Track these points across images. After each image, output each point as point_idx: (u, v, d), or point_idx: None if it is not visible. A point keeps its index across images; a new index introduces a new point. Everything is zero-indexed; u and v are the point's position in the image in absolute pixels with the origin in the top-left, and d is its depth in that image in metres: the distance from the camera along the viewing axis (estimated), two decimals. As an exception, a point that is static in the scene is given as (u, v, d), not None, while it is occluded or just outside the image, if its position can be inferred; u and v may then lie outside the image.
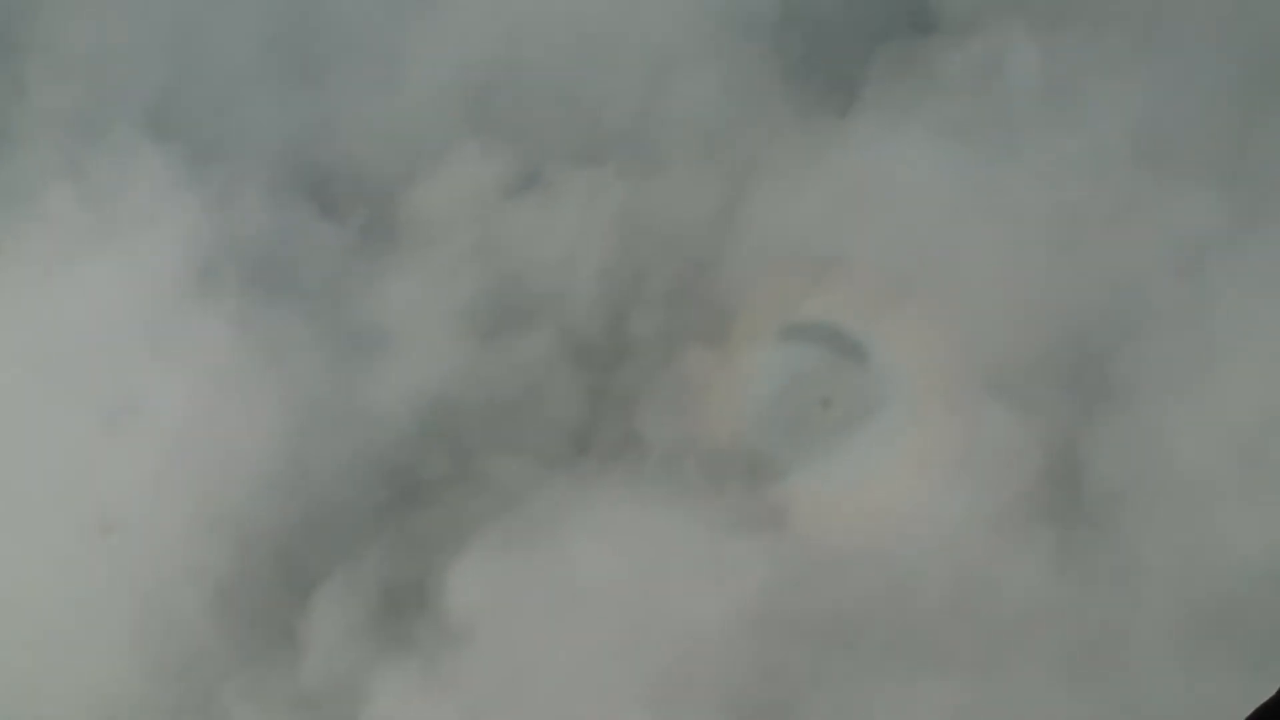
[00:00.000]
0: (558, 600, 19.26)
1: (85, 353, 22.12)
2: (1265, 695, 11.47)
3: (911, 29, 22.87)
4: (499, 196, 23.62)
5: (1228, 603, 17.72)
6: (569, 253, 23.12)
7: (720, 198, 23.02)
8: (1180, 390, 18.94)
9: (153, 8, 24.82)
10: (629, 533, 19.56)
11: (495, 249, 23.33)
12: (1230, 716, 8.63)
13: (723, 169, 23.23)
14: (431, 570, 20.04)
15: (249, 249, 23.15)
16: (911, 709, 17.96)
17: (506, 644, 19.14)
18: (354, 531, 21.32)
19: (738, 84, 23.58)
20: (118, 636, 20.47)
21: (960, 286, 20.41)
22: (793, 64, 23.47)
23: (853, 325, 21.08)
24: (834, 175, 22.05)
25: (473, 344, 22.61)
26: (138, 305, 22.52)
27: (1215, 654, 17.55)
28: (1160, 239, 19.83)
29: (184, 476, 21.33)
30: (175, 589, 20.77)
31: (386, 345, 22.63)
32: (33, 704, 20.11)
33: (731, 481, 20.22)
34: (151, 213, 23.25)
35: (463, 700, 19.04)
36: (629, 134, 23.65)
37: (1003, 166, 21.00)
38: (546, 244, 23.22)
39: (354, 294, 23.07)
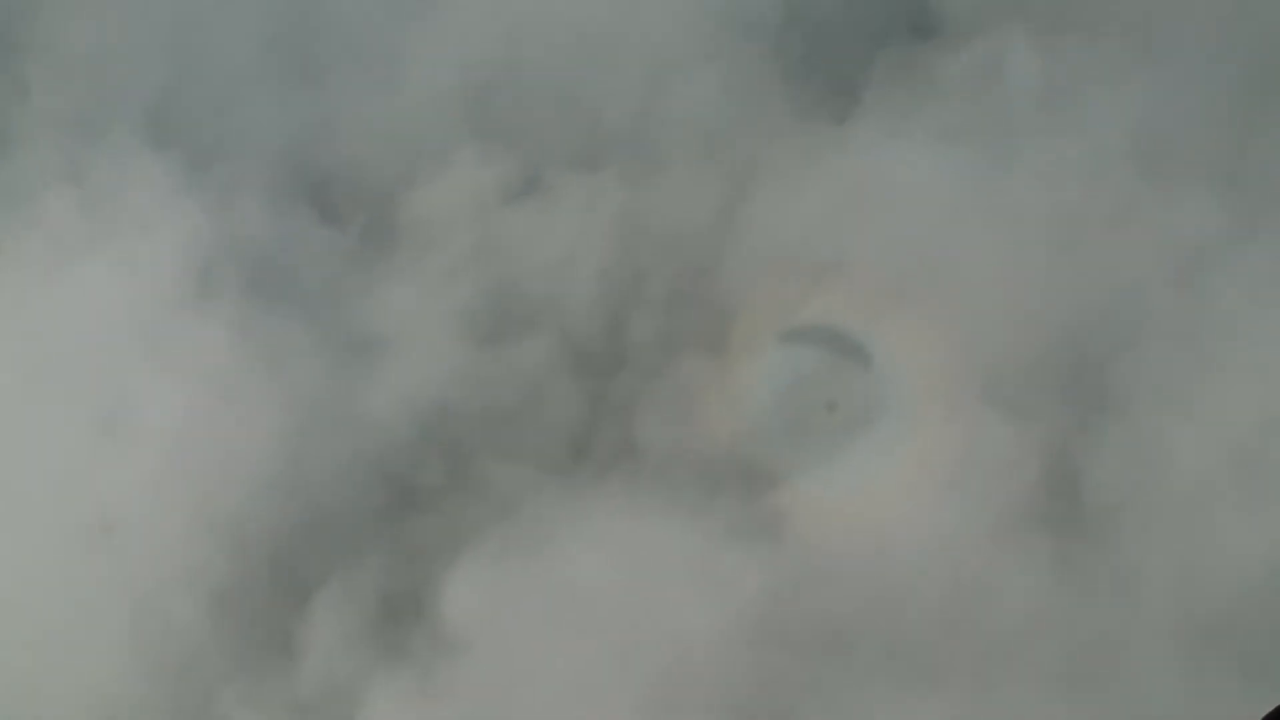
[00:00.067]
0: (554, 608, 19.21)
1: (83, 356, 22.12)
2: (1264, 705, 11.39)
3: (912, 33, 22.82)
4: (498, 200, 23.59)
5: (1226, 612, 17.62)
6: (568, 257, 23.07)
7: (720, 201, 22.96)
8: (1178, 398, 18.83)
9: (152, 10, 24.81)
10: (626, 540, 19.50)
11: (494, 253, 23.29)
12: (1230, 725, 8.54)
13: (723, 172, 23.16)
14: (428, 577, 20.00)
15: (248, 252, 23.14)
16: (908, 719, 17.89)
17: (503, 651, 19.08)
18: (352, 537, 21.29)
19: (737, 87, 23.53)
20: (115, 640, 20.47)
21: (959, 291, 20.32)
22: (792, 68, 23.42)
23: (852, 329, 21.00)
24: (833, 179, 21.98)
25: (471, 349, 22.57)
26: (136, 308, 22.52)
27: (1214, 663, 17.45)
28: (1159, 244, 19.72)
29: (182, 481, 21.31)
30: (172, 593, 20.75)
31: (385, 350, 22.60)
32: (31, 707, 20.12)
33: (729, 489, 20.15)
34: (151, 216, 23.25)
35: (458, 707, 19.01)
36: (629, 138, 23.61)
37: (1002, 170, 20.91)
38: (545, 248, 23.18)
39: (352, 298, 23.05)
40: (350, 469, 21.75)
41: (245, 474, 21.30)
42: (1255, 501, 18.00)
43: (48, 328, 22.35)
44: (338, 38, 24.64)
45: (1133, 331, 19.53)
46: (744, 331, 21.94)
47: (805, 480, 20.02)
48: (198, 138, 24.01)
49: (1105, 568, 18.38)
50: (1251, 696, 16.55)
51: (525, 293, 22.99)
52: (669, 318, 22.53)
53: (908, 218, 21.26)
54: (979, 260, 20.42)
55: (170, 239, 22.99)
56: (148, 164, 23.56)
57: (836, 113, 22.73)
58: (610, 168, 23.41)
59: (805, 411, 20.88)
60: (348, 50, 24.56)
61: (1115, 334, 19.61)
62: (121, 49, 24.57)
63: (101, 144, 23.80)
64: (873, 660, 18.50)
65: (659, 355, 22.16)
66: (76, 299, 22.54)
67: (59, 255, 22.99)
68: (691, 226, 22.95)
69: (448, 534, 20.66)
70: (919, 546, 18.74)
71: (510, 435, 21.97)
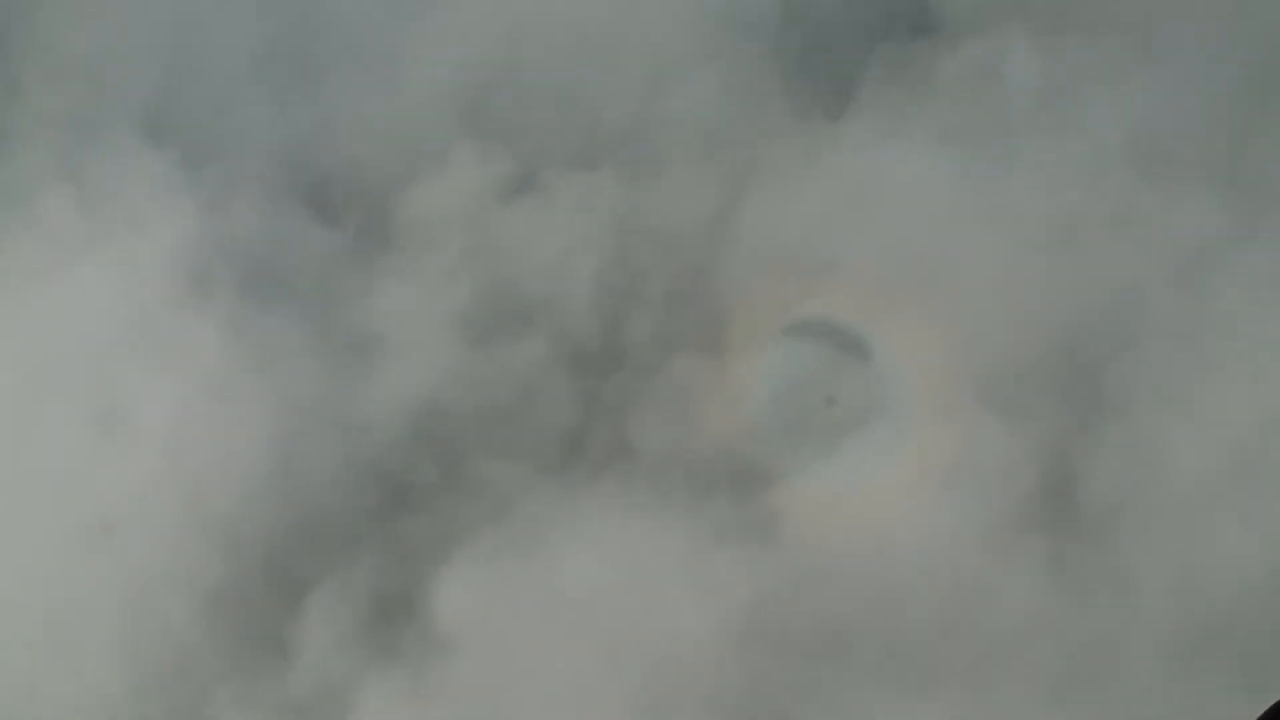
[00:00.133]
0: (547, 609, 19.13)
1: (78, 356, 22.05)
2: (1262, 708, 11.29)
3: (910, 32, 22.74)
4: (494, 199, 23.49)
5: (1224, 616, 17.52)
6: (564, 256, 22.98)
7: (717, 201, 22.87)
8: (1177, 399, 18.75)
9: (148, 10, 24.73)
10: (620, 540, 19.43)
11: (490, 252, 23.20)
12: (1227, 729, 8.45)
13: (720, 172, 23.08)
14: (421, 578, 19.92)
15: (244, 251, 23.06)
16: (904, 721, 17.82)
17: (496, 652, 19.01)
18: (346, 538, 21.21)
19: (735, 87, 23.44)
20: (108, 640, 20.40)
21: (956, 291, 20.25)
22: (790, 67, 23.33)
23: (851, 325, 20.96)
24: (831, 179, 21.90)
25: (467, 349, 22.48)
26: (132, 308, 22.45)
27: (1211, 668, 17.36)
28: (1158, 245, 19.63)
29: (176, 480, 21.24)
30: (166, 593, 20.68)
31: (380, 350, 22.51)
32: (23, 709, 20.04)
33: (724, 490, 20.07)
34: (147, 215, 23.17)
35: (451, 708, 18.94)
36: (625, 137, 23.52)
37: (1001, 171, 20.83)
38: (542, 247, 23.09)
39: (348, 298, 22.96)
40: (345, 469, 21.68)
41: (240, 473, 21.23)
42: (1254, 504, 17.90)
43: (43, 327, 22.28)
44: (334, 37, 24.56)
45: (1131, 332, 19.44)
46: (741, 331, 21.86)
47: (801, 481, 19.94)
48: (194, 137, 23.91)
49: (1103, 569, 18.29)
50: (1249, 699, 16.44)
51: (521, 292, 22.91)
52: (666, 317, 22.45)
53: (906, 218, 21.18)
54: (977, 260, 20.33)
55: (167, 238, 22.92)
56: (144, 163, 23.49)
57: (835, 112, 22.65)
58: (607, 167, 23.33)
59: (803, 408, 20.80)
60: (344, 49, 24.47)
61: (1114, 334, 19.52)
62: (118, 48, 24.49)
63: (98, 143, 23.73)
64: (869, 662, 18.41)
65: (655, 355, 22.08)
66: (72, 298, 22.46)
67: (55, 254, 22.92)
68: (689, 226, 22.86)
69: (442, 534, 20.58)
70: (915, 548, 18.66)
71: (506, 435, 21.89)
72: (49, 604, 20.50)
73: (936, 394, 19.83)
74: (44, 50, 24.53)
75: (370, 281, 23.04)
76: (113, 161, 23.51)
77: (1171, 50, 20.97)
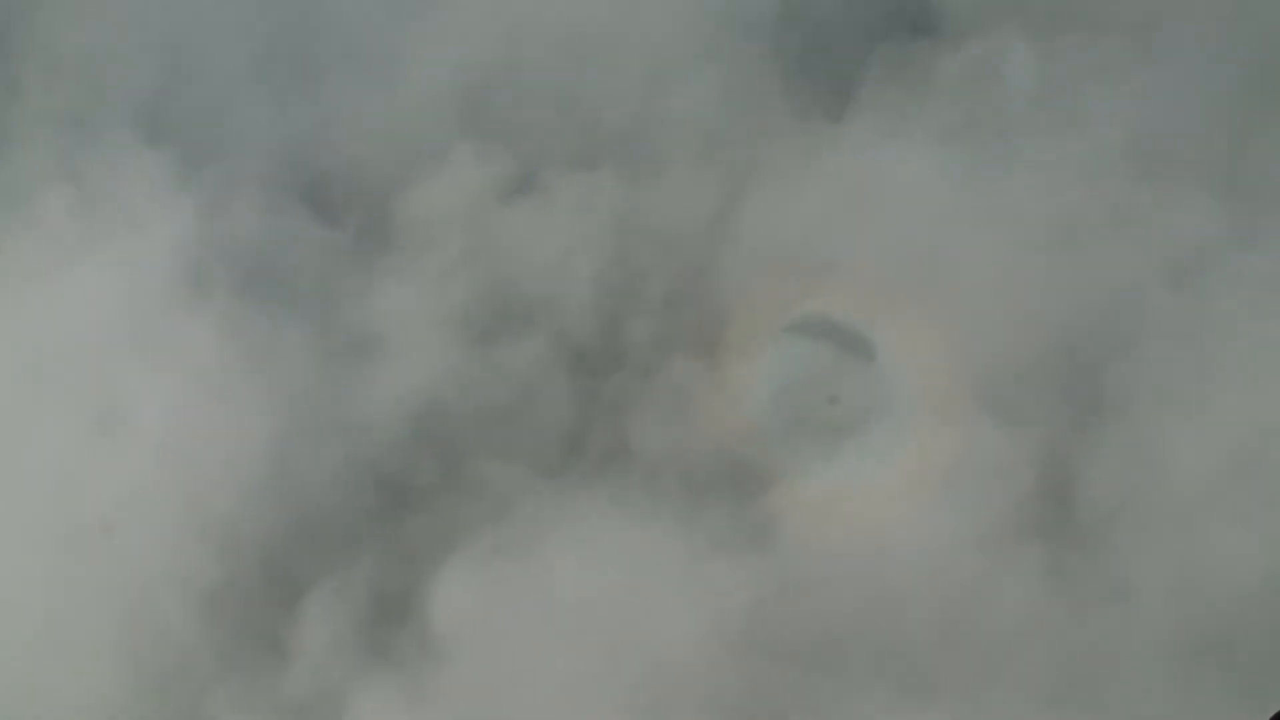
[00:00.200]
0: (544, 612, 19.07)
1: (76, 356, 22.04)
2: (1259, 715, 11.21)
3: (910, 32, 22.64)
4: (494, 200, 23.42)
5: (1222, 621, 17.43)
6: (564, 257, 22.92)
7: (717, 201, 22.80)
8: (1175, 402, 18.63)
9: (147, 9, 24.69)
10: (617, 544, 19.36)
11: (490, 253, 23.14)
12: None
13: (720, 172, 23.02)
14: (418, 580, 19.88)
15: (243, 251, 23.03)
16: (899, 729, 17.73)
17: (491, 656, 18.97)
18: (343, 538, 21.18)
19: (735, 87, 23.37)
20: (105, 641, 20.38)
21: (955, 292, 20.16)
22: (790, 67, 23.25)
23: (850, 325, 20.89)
24: (831, 179, 21.83)
25: (466, 349, 22.44)
26: (130, 308, 22.42)
27: (1209, 675, 17.26)
28: (1157, 247, 19.53)
29: (173, 481, 21.20)
30: (163, 594, 20.66)
31: (379, 350, 22.47)
32: (21, 709, 20.03)
33: (721, 493, 19.99)
34: (146, 215, 23.14)
35: (446, 712, 18.88)
36: (625, 137, 23.46)
37: (999, 171, 20.75)
38: (541, 247, 23.02)
39: (347, 298, 22.92)
40: (343, 469, 21.64)
41: (238, 474, 21.20)
42: (1252, 509, 17.79)
43: (41, 327, 22.27)
44: (333, 36, 24.51)
45: (1130, 334, 19.35)
46: (740, 331, 21.79)
47: (798, 484, 19.88)
48: (193, 137, 23.88)
49: (1101, 574, 18.20)
50: (1246, 706, 16.36)
51: (521, 292, 22.86)
52: (665, 318, 22.39)
53: (905, 218, 21.10)
54: (976, 261, 20.25)
55: (166, 238, 22.89)
56: (143, 163, 23.46)
57: (834, 112, 22.57)
58: (607, 167, 23.26)
59: (804, 408, 20.73)
60: (343, 49, 24.43)
61: (1112, 336, 19.42)
62: (116, 48, 24.47)
63: (96, 143, 23.70)
64: (866, 666, 18.34)
65: (655, 355, 22.03)
66: (71, 298, 22.44)
67: (54, 254, 22.90)
68: (688, 226, 22.80)
69: (439, 535, 20.54)
70: (913, 552, 18.58)
71: (505, 436, 21.85)
72: (46, 604, 20.48)
73: (935, 395, 19.74)
74: (43, 50, 24.53)
75: (369, 281, 23.00)
76: (111, 161, 23.48)
77: (1171, 51, 20.86)
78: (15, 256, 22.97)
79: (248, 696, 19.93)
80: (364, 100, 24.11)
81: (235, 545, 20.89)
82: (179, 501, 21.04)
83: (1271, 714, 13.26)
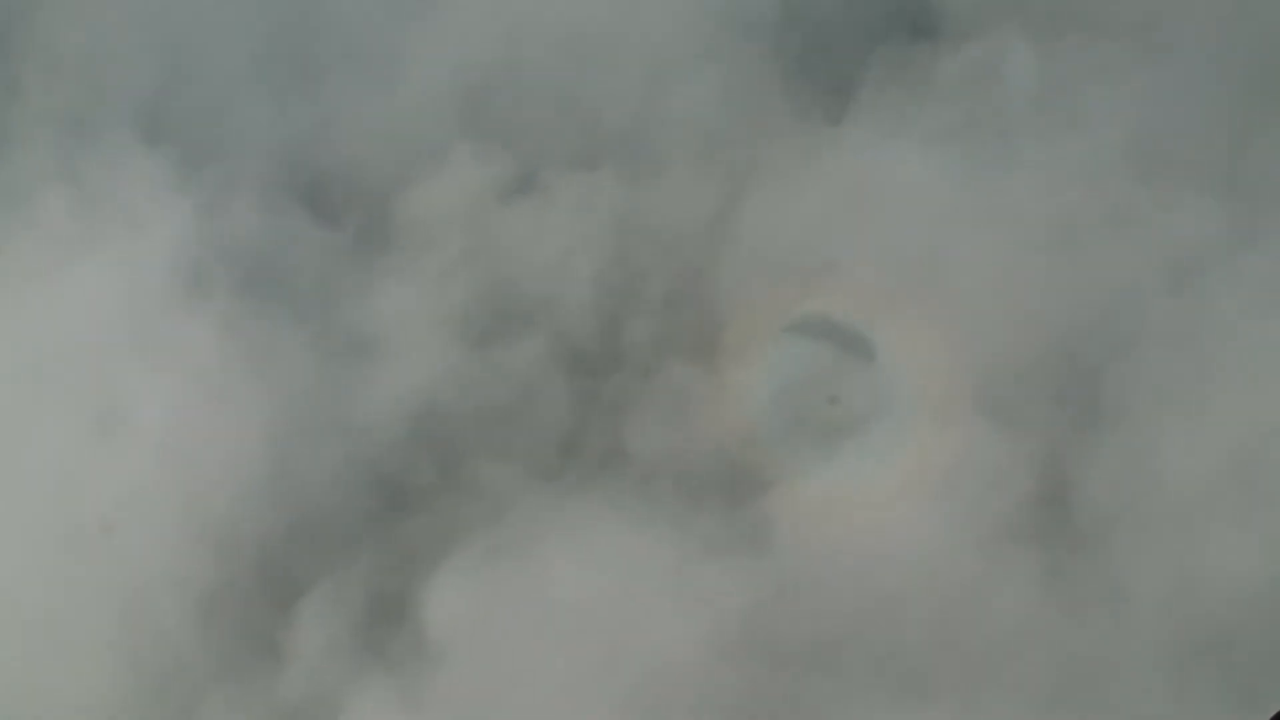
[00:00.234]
0: (540, 616, 19.01)
1: (75, 356, 22.03)
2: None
3: (910, 33, 22.57)
4: (493, 200, 23.38)
5: (1219, 626, 17.33)
6: (563, 257, 22.86)
7: (717, 202, 22.74)
8: (1173, 406, 18.53)
9: (146, 9, 24.68)
10: (614, 547, 19.30)
11: (489, 253, 23.09)
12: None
13: (720, 173, 22.95)
14: (414, 583, 19.83)
15: (242, 252, 23.00)
16: (895, 734, 17.65)
17: (487, 659, 18.91)
18: (341, 540, 21.13)
19: (735, 88, 23.31)
20: (101, 642, 20.36)
21: (954, 294, 20.08)
22: (790, 69, 23.19)
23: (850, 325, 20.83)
24: (830, 180, 21.75)
25: (465, 350, 22.40)
26: (129, 308, 22.41)
27: (1206, 678, 17.16)
28: (1156, 249, 19.43)
29: (171, 482, 21.18)
30: (160, 596, 20.63)
31: (377, 351, 22.43)
32: (15, 712, 20.01)
33: (718, 496, 19.92)
34: (145, 215, 23.13)
35: (442, 716, 18.82)
36: (625, 138, 23.40)
37: (999, 172, 20.68)
38: (541, 248, 22.97)
39: (346, 299, 22.89)
40: (341, 471, 21.59)
41: (235, 475, 21.16)
42: (1250, 513, 17.69)
43: (40, 327, 22.25)
44: (333, 36, 24.48)
45: (1128, 337, 19.25)
46: (740, 332, 21.72)
47: (795, 487, 19.79)
48: (192, 137, 23.87)
49: (1097, 578, 18.11)
50: (1243, 709, 16.27)
51: (520, 293, 22.81)
52: (665, 319, 22.32)
53: (904, 219, 21.05)
54: (975, 263, 20.18)
55: (164, 238, 22.87)
56: (142, 163, 23.45)
57: (834, 113, 22.51)
58: (606, 168, 23.21)
59: (803, 408, 20.66)
60: (343, 49, 24.40)
61: (1111, 339, 19.33)
62: (116, 48, 24.47)
63: (96, 143, 23.70)
64: (862, 671, 18.25)
65: (654, 356, 21.96)
66: (69, 298, 22.43)
67: (53, 254, 22.89)
68: (688, 227, 22.75)
69: (436, 537, 20.49)
70: (909, 555, 18.50)
71: (503, 437, 21.79)
72: (43, 605, 20.46)
73: (933, 397, 19.66)
74: (42, 50, 24.53)
75: (369, 282, 22.96)
76: (111, 161, 23.48)
77: (1170, 52, 20.77)
78: (15, 256, 22.97)
79: (244, 698, 19.90)
80: (363, 100, 24.07)
81: (233, 546, 20.87)
82: (177, 502, 21.01)
83: (1268, 717, 13.16)
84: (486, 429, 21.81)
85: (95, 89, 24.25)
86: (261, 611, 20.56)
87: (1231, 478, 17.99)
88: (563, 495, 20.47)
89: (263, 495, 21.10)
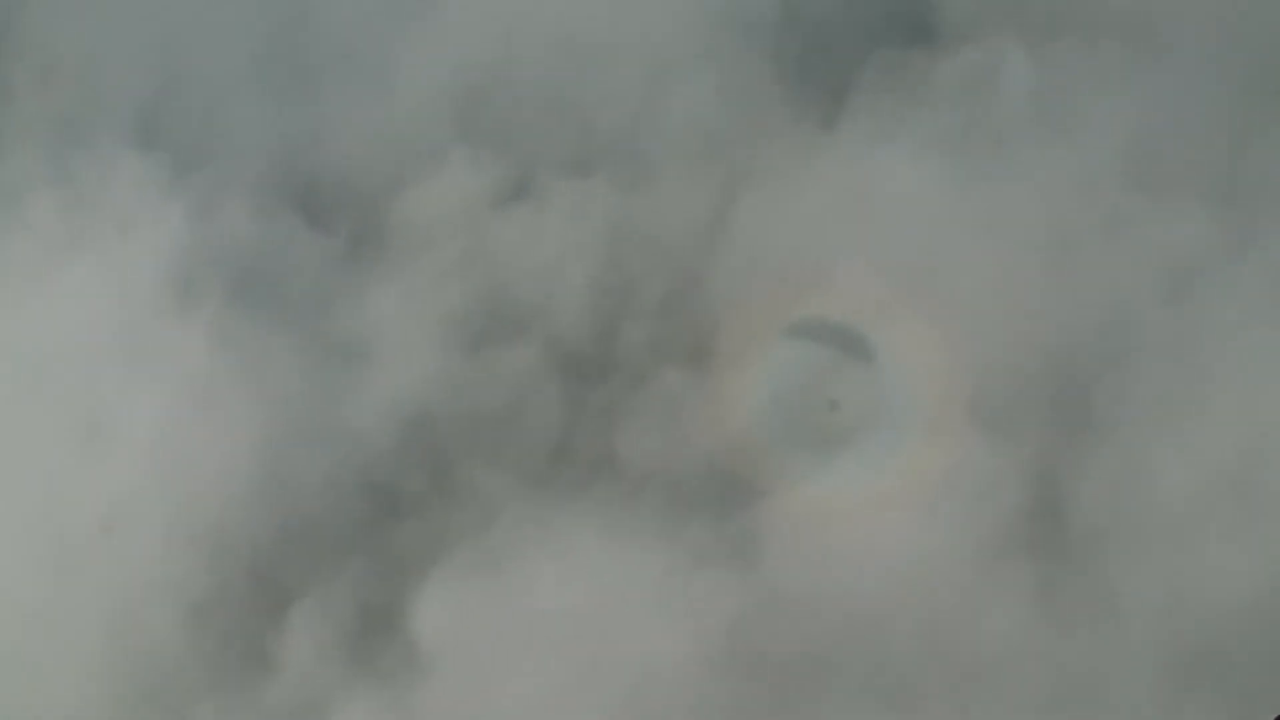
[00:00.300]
0: (529, 626, 18.94)
1: (65, 360, 22.02)
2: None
3: (906, 38, 22.40)
4: (488, 205, 23.28)
5: (1212, 639, 17.22)
6: (558, 263, 22.76)
7: (712, 207, 22.61)
8: (1167, 417, 18.41)
9: (139, 13, 24.60)
10: (603, 558, 19.22)
11: (483, 258, 22.99)
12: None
13: (715, 178, 22.82)
14: (404, 592, 19.76)
15: (233, 258, 22.93)
16: (885, 748, 17.55)
17: (476, 669, 18.85)
18: (331, 547, 21.05)
19: (730, 93, 23.17)
20: (90, 651, 20.31)
21: (947, 302, 19.95)
22: (786, 73, 23.04)
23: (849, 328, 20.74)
24: (826, 186, 21.62)
25: (458, 356, 22.29)
26: (120, 313, 22.38)
27: (1199, 691, 17.06)
28: (1151, 259, 19.30)
29: (161, 488, 21.14)
30: (149, 604, 20.58)
31: (370, 357, 22.34)
32: (4, 717, 19.98)
33: (708, 507, 19.81)
34: (136, 220, 23.08)
35: (430, 724, 18.78)
36: (619, 143, 23.28)
37: (995, 179, 20.54)
38: (535, 254, 22.87)
39: (338, 305, 22.79)
40: (333, 478, 21.52)
41: (226, 482, 21.10)
42: (1245, 525, 17.57)
43: (30, 331, 22.23)
44: (327, 40, 24.38)
45: (1123, 347, 19.12)
46: (735, 338, 21.61)
47: (787, 497, 19.67)
48: (184, 140, 23.82)
49: (1091, 591, 17.99)
50: (1238, 726, 16.15)
51: (514, 299, 22.70)
52: (659, 325, 22.21)
53: (900, 225, 20.90)
54: (969, 271, 20.05)
55: (156, 243, 22.83)
56: (134, 166, 23.39)
57: (830, 118, 22.35)
58: (601, 173, 23.08)
59: (800, 413, 20.55)
60: (337, 53, 24.30)
61: (1105, 349, 19.19)
62: (108, 51, 24.39)
63: (87, 146, 23.65)
64: (852, 683, 18.16)
65: (648, 363, 21.85)
66: (60, 303, 22.41)
67: (43, 258, 22.86)
68: (683, 232, 22.62)
69: (427, 545, 20.42)
70: (901, 567, 18.38)
71: (495, 444, 21.70)
72: (32, 612, 20.43)
73: (926, 408, 19.54)
74: (34, 53, 24.48)
75: (362, 287, 22.87)
76: (103, 165, 23.42)
77: (1167, 59, 20.64)
78: (6, 260, 22.92)
79: (233, 705, 19.83)
80: (357, 105, 23.96)
81: (222, 554, 20.81)
82: (167, 508, 20.98)
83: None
84: (479, 436, 21.72)
85: (87, 92, 24.20)
86: (251, 618, 20.49)
87: (1226, 489, 17.88)
88: (554, 503, 20.37)
89: (254, 501, 21.04)
